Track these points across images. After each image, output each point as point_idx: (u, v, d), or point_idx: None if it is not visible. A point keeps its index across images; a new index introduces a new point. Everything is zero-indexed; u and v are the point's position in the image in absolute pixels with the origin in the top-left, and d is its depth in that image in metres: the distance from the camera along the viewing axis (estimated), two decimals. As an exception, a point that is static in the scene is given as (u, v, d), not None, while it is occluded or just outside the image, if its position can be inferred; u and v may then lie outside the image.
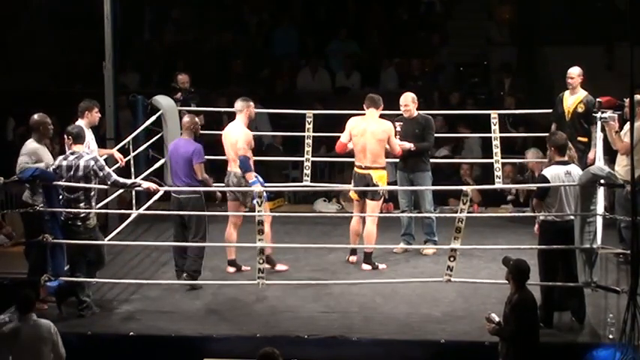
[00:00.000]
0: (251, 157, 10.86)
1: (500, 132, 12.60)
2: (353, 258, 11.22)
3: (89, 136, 10.47)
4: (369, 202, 11.05)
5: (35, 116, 10.31)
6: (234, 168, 10.89)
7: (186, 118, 10.86)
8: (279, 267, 11.02)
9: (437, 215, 11.69)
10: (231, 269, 10.99)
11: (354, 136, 11.00)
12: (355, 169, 11.06)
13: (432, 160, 13.48)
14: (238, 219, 10.92)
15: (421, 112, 11.67)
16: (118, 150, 11.72)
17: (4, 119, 15.70)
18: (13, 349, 8.40)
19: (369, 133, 10.96)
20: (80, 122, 10.54)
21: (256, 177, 10.81)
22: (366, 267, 11.09)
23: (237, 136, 10.86)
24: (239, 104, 11.01)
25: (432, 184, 11.72)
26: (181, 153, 10.60)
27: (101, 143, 11.82)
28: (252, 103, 11.07)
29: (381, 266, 11.10)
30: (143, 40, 17.54)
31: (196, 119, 10.85)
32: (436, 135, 13.64)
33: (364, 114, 11.11)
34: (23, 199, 10.16)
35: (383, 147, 10.99)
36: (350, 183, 11.30)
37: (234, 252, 10.99)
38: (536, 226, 9.80)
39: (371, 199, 11.02)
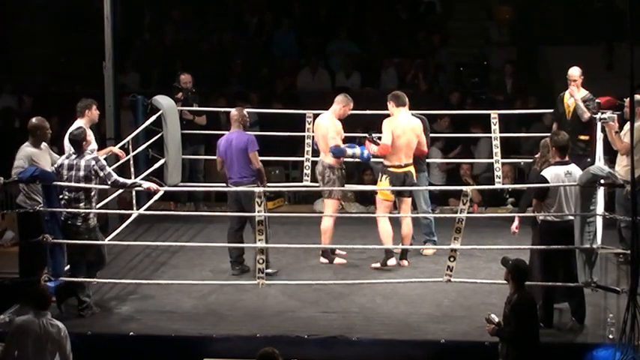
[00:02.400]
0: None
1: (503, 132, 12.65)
2: (405, 262, 11.18)
3: (89, 134, 10.45)
4: (407, 200, 11.13)
5: (33, 120, 10.30)
6: (322, 157, 11.13)
7: (234, 111, 11.02)
8: (338, 260, 11.26)
9: (434, 215, 11.71)
10: (324, 260, 11.26)
11: (398, 137, 10.89)
12: (392, 169, 10.91)
13: (438, 161, 13.53)
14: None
15: (414, 112, 11.61)
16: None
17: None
18: (21, 343, 8.40)
19: (409, 130, 10.97)
20: (80, 122, 10.55)
21: (353, 151, 11.07)
22: (405, 263, 11.18)
23: (327, 126, 11.10)
24: (339, 98, 11.28)
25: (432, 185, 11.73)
26: (235, 145, 10.78)
27: (102, 143, 11.84)
28: (351, 103, 11.26)
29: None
30: (143, 40, 17.53)
31: (244, 111, 11.02)
32: (441, 135, 13.70)
33: (388, 114, 11.07)
34: (17, 202, 10.15)
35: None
36: (348, 183, 11.32)
37: (327, 242, 11.21)
38: (516, 223, 9.92)
39: (409, 196, 11.10)
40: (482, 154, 14.36)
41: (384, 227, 10.97)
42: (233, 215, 10.81)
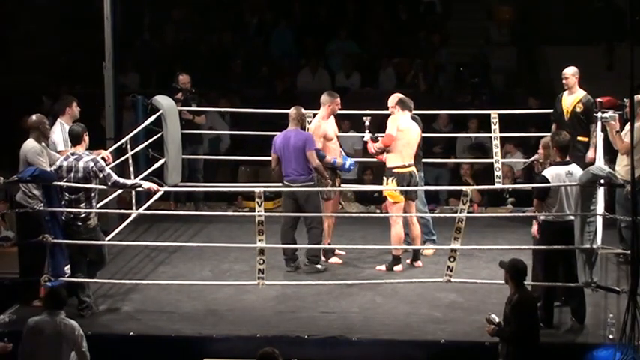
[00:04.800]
0: (328, 148, 11.18)
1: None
2: (419, 263, 11.17)
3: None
4: (412, 204, 11.13)
5: (33, 117, 10.30)
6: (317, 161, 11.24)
7: (292, 110, 11.09)
8: (333, 260, 11.27)
9: (432, 215, 11.72)
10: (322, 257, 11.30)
11: (401, 132, 10.93)
12: (397, 170, 10.91)
13: (438, 161, 13.51)
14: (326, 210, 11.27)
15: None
16: (117, 150, 11.72)
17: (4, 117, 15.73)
18: (35, 343, 8.43)
19: (412, 132, 11.00)
20: (61, 120, 10.55)
21: (334, 160, 11.14)
22: (420, 263, 11.16)
23: (311, 131, 11.22)
24: (323, 98, 11.35)
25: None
26: (293, 143, 10.86)
27: (102, 143, 11.84)
28: (338, 100, 11.33)
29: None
30: (143, 40, 17.53)
31: (302, 110, 11.10)
32: (441, 135, 13.69)
33: (388, 114, 11.10)
34: (16, 200, 10.14)
35: None
36: (348, 183, 11.33)
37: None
38: (535, 226, 9.81)
39: (415, 198, 11.13)
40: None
41: (398, 232, 10.98)
42: (287, 214, 10.95)
